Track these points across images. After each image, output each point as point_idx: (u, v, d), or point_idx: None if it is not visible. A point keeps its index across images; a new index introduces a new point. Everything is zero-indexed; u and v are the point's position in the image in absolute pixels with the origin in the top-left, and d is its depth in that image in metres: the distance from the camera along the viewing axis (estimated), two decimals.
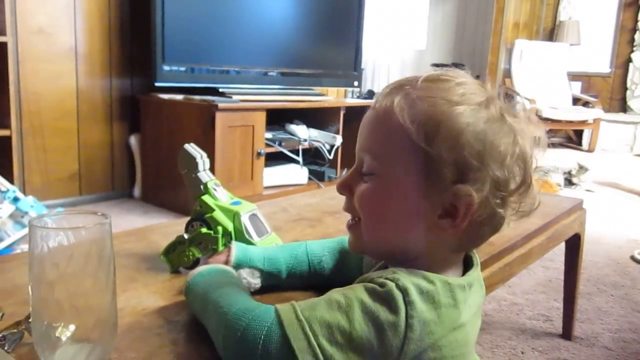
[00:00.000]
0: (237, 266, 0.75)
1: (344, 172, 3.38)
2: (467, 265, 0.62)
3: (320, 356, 0.50)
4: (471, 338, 0.58)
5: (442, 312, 0.53)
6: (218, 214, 0.87)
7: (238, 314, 0.55)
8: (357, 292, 0.53)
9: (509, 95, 0.59)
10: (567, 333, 1.62)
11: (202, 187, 0.88)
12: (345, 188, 0.61)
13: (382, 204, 0.58)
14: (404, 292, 0.51)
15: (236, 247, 0.76)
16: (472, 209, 0.54)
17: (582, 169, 3.80)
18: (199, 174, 0.88)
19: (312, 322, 0.51)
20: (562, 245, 1.48)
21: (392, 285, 0.52)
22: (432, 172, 0.55)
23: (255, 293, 0.76)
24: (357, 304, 0.51)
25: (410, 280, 0.53)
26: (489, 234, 0.59)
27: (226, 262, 0.75)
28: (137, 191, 3.03)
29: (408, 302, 0.51)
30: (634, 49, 6.15)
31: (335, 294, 0.54)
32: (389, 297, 0.51)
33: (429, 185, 0.55)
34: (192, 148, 0.89)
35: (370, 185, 0.58)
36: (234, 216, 0.87)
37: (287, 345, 0.51)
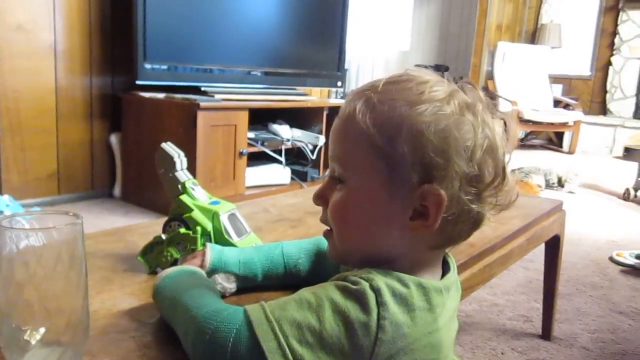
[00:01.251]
0: (213, 271, 0.73)
1: (326, 173, 3.37)
2: (444, 270, 0.62)
3: (290, 357, 0.49)
4: (446, 342, 0.57)
5: (415, 315, 0.52)
6: (197, 214, 0.86)
7: (206, 316, 0.54)
8: (328, 291, 0.52)
9: (471, 89, 0.57)
10: (546, 333, 1.63)
11: (179, 186, 0.87)
12: (320, 198, 0.61)
13: (351, 211, 0.58)
14: (377, 292, 0.51)
15: (211, 251, 0.75)
16: (442, 207, 0.54)
17: (570, 174, 3.85)
18: (176, 174, 0.87)
19: (282, 323, 0.50)
20: (543, 246, 1.49)
21: (365, 284, 0.51)
22: (398, 174, 0.54)
23: (231, 295, 0.75)
24: (328, 303, 0.51)
25: (384, 281, 0.52)
26: (467, 230, 0.58)
27: (201, 267, 0.73)
28: (117, 191, 2.99)
29: (381, 303, 0.50)
30: (614, 52, 6.24)
31: (306, 292, 0.53)
32: (361, 296, 0.51)
33: (397, 188, 0.55)
34: (169, 147, 0.87)
35: (341, 193, 0.58)
36: (213, 216, 0.86)
37: (256, 346, 0.50)
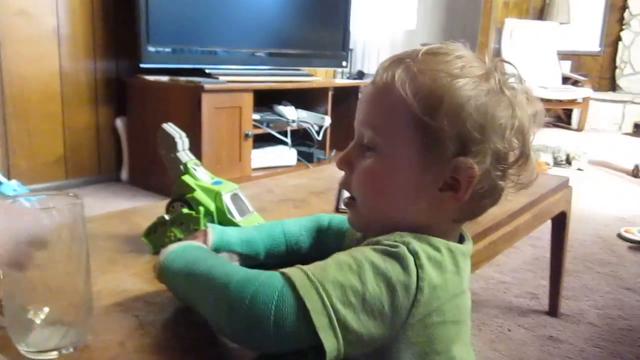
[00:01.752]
0: (215, 250, 0.74)
1: (333, 154, 3.38)
2: (460, 240, 0.63)
3: (334, 317, 0.49)
4: (468, 305, 0.59)
5: (447, 278, 0.53)
6: (199, 194, 0.86)
7: (242, 282, 0.52)
8: (366, 254, 0.52)
9: (505, 69, 0.59)
10: (553, 310, 1.64)
11: (182, 167, 0.87)
12: (345, 163, 0.61)
13: (383, 179, 0.58)
14: (415, 255, 0.52)
15: (213, 231, 0.75)
16: (474, 181, 0.55)
17: (581, 153, 3.82)
18: (178, 154, 0.87)
19: (325, 284, 0.49)
20: (549, 223, 1.49)
21: (403, 247, 0.52)
22: (434, 145, 0.55)
23: None
24: (368, 264, 0.51)
25: (418, 244, 0.53)
26: (489, 205, 0.60)
27: None
28: (124, 174, 3.00)
29: (419, 265, 0.51)
30: (624, 27, 6.14)
31: (343, 256, 0.52)
32: (401, 258, 0.51)
33: (431, 159, 0.55)
34: (170, 128, 0.87)
35: (372, 160, 0.58)
36: (216, 196, 0.86)
37: (301, 307, 0.49)
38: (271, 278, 0.51)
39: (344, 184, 0.62)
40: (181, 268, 0.61)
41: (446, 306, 0.54)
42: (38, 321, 0.55)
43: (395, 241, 0.53)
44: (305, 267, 0.52)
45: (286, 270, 0.52)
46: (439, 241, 0.55)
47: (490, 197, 0.58)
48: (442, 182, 0.56)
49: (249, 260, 0.76)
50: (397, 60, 0.58)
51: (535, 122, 0.58)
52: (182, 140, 0.87)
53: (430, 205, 0.57)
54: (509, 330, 1.54)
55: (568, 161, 3.84)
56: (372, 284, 0.50)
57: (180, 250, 0.65)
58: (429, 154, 0.55)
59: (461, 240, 0.63)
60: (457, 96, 0.53)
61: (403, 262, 0.51)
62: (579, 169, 3.77)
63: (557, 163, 3.82)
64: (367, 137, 0.58)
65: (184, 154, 0.88)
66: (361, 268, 0.50)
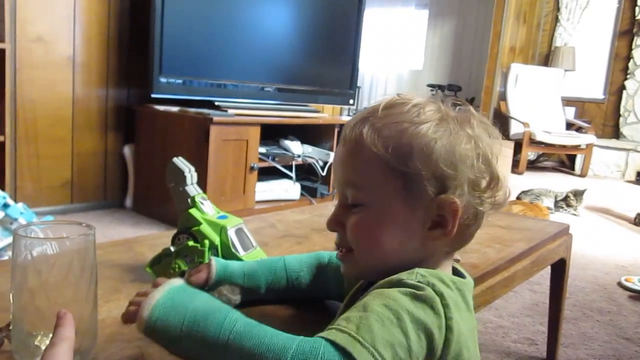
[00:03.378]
0: (218, 283, 0.75)
1: (336, 190, 3.39)
2: (458, 275, 0.65)
3: None
4: (475, 338, 0.61)
5: (463, 316, 0.55)
6: (205, 227, 0.88)
7: (294, 355, 0.49)
8: (400, 302, 0.52)
9: (459, 105, 0.63)
10: (551, 357, 1.63)
11: (189, 200, 0.89)
12: (336, 224, 0.64)
13: (375, 229, 0.60)
14: (441, 296, 0.54)
15: (216, 264, 0.77)
16: (458, 214, 0.58)
17: (577, 194, 3.82)
18: (186, 188, 0.89)
19: (377, 346, 0.49)
20: (549, 269, 1.49)
21: (430, 290, 0.54)
22: (414, 189, 0.58)
23: (236, 306, 0.77)
24: (405, 314, 0.51)
25: (440, 284, 0.55)
26: (474, 231, 0.64)
27: (207, 279, 0.75)
28: (128, 201, 3.02)
29: (445, 305, 0.53)
30: (628, 76, 6.23)
31: (378, 307, 0.51)
32: (430, 301, 0.53)
33: (415, 202, 0.59)
34: (180, 162, 0.90)
35: (361, 215, 0.61)
36: (221, 230, 0.88)
37: None
38: (327, 352, 0.48)
39: (340, 242, 0.65)
40: (189, 332, 0.55)
41: (469, 342, 0.55)
42: (44, 347, 0.56)
43: (420, 282, 0.54)
44: (351, 331, 0.49)
45: (335, 338, 0.49)
46: (446, 276, 0.57)
47: (475, 223, 0.62)
48: (429, 222, 0.59)
49: (250, 293, 0.78)
50: (362, 119, 0.61)
51: (496, 146, 0.63)
52: (191, 174, 0.90)
53: (422, 244, 0.61)
54: None
55: (568, 204, 3.83)
56: (414, 334, 0.50)
57: (167, 299, 0.58)
58: (412, 199, 0.59)
59: (455, 271, 0.65)
60: (424, 141, 0.58)
61: (433, 306, 0.52)
62: (574, 214, 3.77)
63: (557, 207, 3.82)
64: (350, 196, 0.61)
65: (192, 188, 0.90)
66: (401, 320, 0.50)
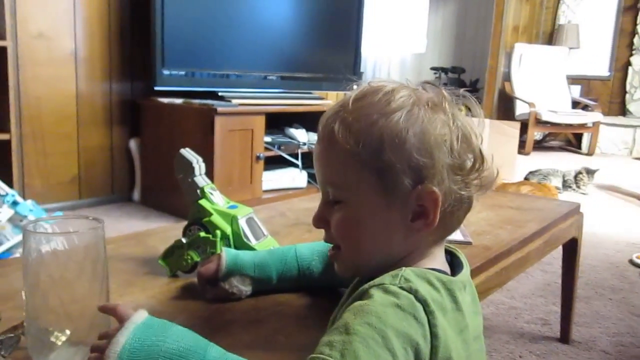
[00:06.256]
0: (229, 273, 0.75)
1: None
2: (456, 266, 0.63)
3: None
4: (477, 334, 0.59)
5: (450, 318, 0.54)
6: (216, 218, 0.88)
7: None
8: (382, 317, 0.50)
9: (432, 87, 0.60)
10: (564, 337, 1.62)
11: (198, 191, 0.89)
12: (321, 221, 0.63)
13: (356, 227, 0.59)
14: (424, 303, 0.51)
15: (227, 255, 0.76)
16: (439, 203, 0.56)
17: (590, 172, 3.79)
18: (195, 179, 0.88)
19: None
20: (561, 249, 1.49)
21: (410, 297, 0.51)
22: (390, 182, 0.56)
23: (247, 297, 0.77)
24: (390, 331, 0.49)
25: (423, 287, 0.53)
26: (463, 215, 0.62)
27: (217, 270, 0.75)
28: (136, 195, 3.03)
29: (429, 312, 0.51)
30: (633, 52, 6.16)
31: (360, 326, 0.49)
32: (413, 310, 0.51)
33: (393, 195, 0.57)
34: (188, 153, 0.89)
35: (342, 213, 0.60)
36: (232, 220, 0.88)
37: None
38: None
39: (328, 239, 0.64)
40: None
41: (458, 344, 0.54)
42: (59, 343, 0.56)
43: (402, 288, 0.52)
44: (335, 359, 0.47)
45: None
46: (434, 277, 0.55)
47: (461, 208, 0.60)
48: (410, 213, 0.57)
49: (262, 283, 0.78)
50: (333, 115, 0.60)
51: (476, 125, 0.60)
52: (199, 165, 0.89)
53: (406, 237, 0.59)
54: (520, 357, 1.53)
55: (577, 184, 3.80)
56: (400, 350, 0.49)
57: (134, 343, 0.51)
58: (390, 193, 0.57)
59: (456, 267, 0.63)
60: (394, 131, 0.55)
61: (416, 315, 0.51)
62: (582, 193, 3.74)
63: (566, 186, 3.80)
64: (331, 193, 0.61)
65: (201, 179, 0.89)
66: (385, 338, 0.48)
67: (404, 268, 0.55)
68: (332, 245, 0.64)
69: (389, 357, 0.48)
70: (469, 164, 0.58)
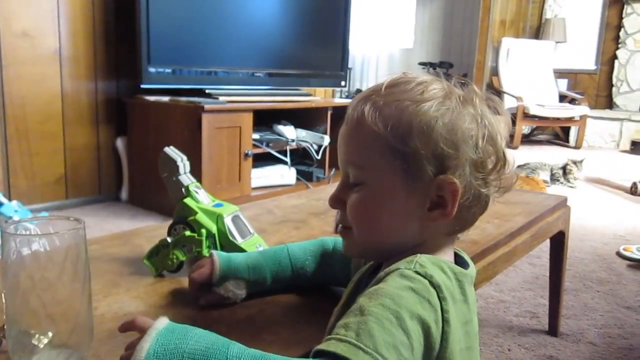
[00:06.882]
0: (222, 278, 0.74)
1: (332, 172, 3.39)
2: (461, 265, 0.63)
3: None
4: (477, 331, 0.60)
5: (457, 308, 0.54)
6: (201, 216, 0.87)
7: None
8: (396, 298, 0.50)
9: (465, 84, 0.61)
10: (553, 329, 1.63)
11: (183, 190, 0.88)
12: (337, 202, 0.63)
13: (374, 209, 0.60)
14: (438, 288, 0.52)
15: (219, 258, 0.76)
16: (458, 195, 0.57)
17: (577, 162, 3.82)
18: (179, 177, 0.88)
19: (380, 350, 0.47)
20: (548, 242, 1.49)
21: (425, 282, 0.52)
22: (414, 169, 0.57)
23: (242, 300, 0.76)
24: (404, 312, 0.49)
25: (437, 274, 0.53)
26: (478, 213, 0.62)
27: (210, 275, 0.74)
28: (124, 194, 3.01)
29: (442, 298, 0.52)
30: (619, 46, 6.21)
31: (376, 308, 0.50)
32: (427, 294, 0.51)
33: (414, 182, 0.58)
34: (172, 151, 0.88)
35: (361, 194, 0.60)
36: (217, 218, 0.87)
37: None
38: None
39: (340, 220, 0.64)
40: None
41: (457, 335, 0.54)
42: (41, 346, 0.55)
43: (417, 273, 0.53)
44: (351, 338, 0.48)
45: (336, 349, 0.47)
46: (446, 266, 0.56)
47: (477, 205, 0.60)
48: (429, 202, 0.58)
49: (256, 285, 0.77)
50: (364, 98, 0.61)
51: (504, 127, 0.61)
52: (183, 163, 0.89)
53: (422, 225, 0.59)
54: (509, 350, 1.54)
55: (566, 177, 3.82)
56: (414, 330, 0.49)
57: (158, 348, 0.51)
58: (411, 179, 0.58)
59: (460, 262, 0.63)
60: (424, 119, 0.57)
61: (430, 299, 0.51)
62: (571, 186, 3.77)
63: (554, 179, 3.83)
64: (351, 174, 0.61)
65: (186, 177, 0.89)
66: (400, 318, 0.49)
67: (418, 255, 0.56)
68: (342, 226, 0.64)
69: (403, 337, 0.48)
70: (491, 163, 0.59)
